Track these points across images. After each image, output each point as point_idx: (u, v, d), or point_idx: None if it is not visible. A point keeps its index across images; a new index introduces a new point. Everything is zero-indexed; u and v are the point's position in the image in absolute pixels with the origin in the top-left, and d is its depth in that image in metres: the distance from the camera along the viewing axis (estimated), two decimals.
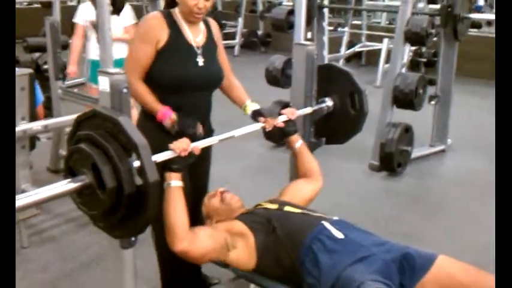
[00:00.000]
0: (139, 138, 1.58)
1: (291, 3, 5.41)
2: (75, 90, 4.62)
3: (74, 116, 3.24)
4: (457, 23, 4.53)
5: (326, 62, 5.85)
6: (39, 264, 2.95)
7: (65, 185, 1.58)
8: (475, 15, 4.70)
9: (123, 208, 1.59)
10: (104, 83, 1.74)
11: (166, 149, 1.91)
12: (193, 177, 2.27)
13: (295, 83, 2.66)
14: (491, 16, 7.09)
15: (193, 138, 2.03)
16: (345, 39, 8.74)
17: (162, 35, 2.15)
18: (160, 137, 2.12)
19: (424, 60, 8.39)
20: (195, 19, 2.20)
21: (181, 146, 1.91)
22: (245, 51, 10.31)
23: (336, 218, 2.16)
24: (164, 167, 1.89)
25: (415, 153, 4.74)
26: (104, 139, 1.58)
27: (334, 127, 2.71)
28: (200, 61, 2.22)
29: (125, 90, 1.74)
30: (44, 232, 3.31)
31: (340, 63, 8.97)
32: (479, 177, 4.49)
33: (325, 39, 5.62)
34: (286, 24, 5.01)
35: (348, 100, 2.61)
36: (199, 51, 2.23)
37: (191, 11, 2.14)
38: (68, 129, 3.82)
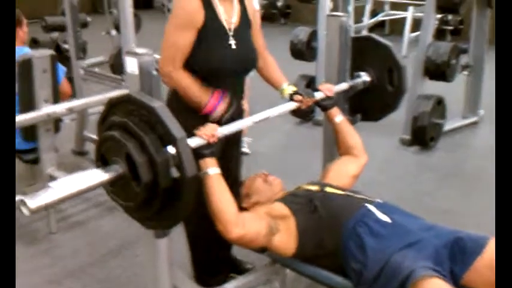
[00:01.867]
0: (178, 131, 1.47)
1: None
2: (96, 69, 4.52)
3: (98, 97, 3.20)
4: None
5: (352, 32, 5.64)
6: (69, 250, 2.90)
7: (97, 175, 1.48)
8: None
9: (159, 201, 1.49)
10: (132, 65, 1.62)
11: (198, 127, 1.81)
12: (225, 165, 2.17)
13: (328, 57, 2.52)
14: None
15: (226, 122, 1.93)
16: (368, 8, 8.48)
17: (199, 18, 2.00)
18: (192, 118, 2.02)
19: (451, 28, 8.12)
20: None
21: (209, 132, 1.81)
22: (265, 24, 9.93)
23: (379, 200, 2.05)
24: (197, 155, 1.79)
25: (447, 125, 4.57)
26: (139, 128, 1.48)
27: (370, 103, 2.58)
28: (232, 43, 2.07)
29: (154, 73, 1.63)
30: (71, 217, 3.25)
31: (364, 33, 8.73)
32: None
33: (350, 8, 5.41)
34: None
35: (386, 75, 2.46)
36: (231, 33, 2.08)
37: None
38: (91, 110, 3.75)
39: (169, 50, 1.99)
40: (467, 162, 4.24)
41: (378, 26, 9.17)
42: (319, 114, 4.71)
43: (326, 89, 2.34)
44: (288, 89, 2.26)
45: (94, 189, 1.48)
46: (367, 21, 8.52)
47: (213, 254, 2.36)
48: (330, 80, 2.50)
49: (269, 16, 10.19)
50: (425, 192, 3.62)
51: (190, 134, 1.76)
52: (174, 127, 1.46)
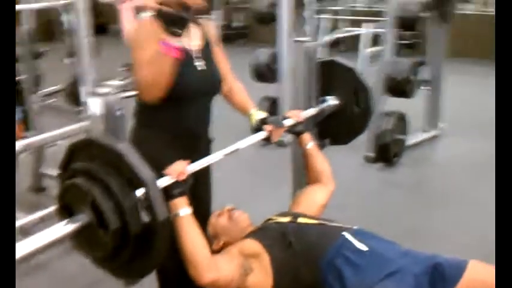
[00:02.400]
0: (147, 173, 1.39)
1: None
2: (53, 99, 4.37)
3: (55, 133, 3.07)
4: (446, 5, 4.39)
5: None
6: None
7: (62, 228, 1.39)
8: None
9: (129, 250, 1.41)
10: (94, 106, 1.54)
11: (166, 161, 1.73)
12: (196, 197, 2.09)
13: (295, 83, 2.49)
14: None
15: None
16: (323, 26, 8.58)
17: (160, 37, 1.89)
18: (158, 147, 1.94)
19: (406, 42, 8.29)
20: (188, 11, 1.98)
21: (178, 170, 1.73)
22: (223, 45, 10.04)
23: (355, 227, 2.00)
24: (166, 196, 1.70)
25: (409, 140, 4.62)
26: (104, 172, 1.39)
27: (338, 127, 2.56)
28: (198, 65, 2.02)
29: (119, 113, 1.55)
30: (32, 259, 3.08)
31: (320, 51, 8.82)
32: (474, 161, 4.41)
33: (308, 29, 5.42)
34: (269, 17, 4.81)
35: (352, 98, 2.45)
36: (196, 56, 2.03)
37: (184, 3, 1.93)
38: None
39: (142, 66, 1.88)
40: (430, 177, 4.29)
41: (334, 43, 9.29)
42: (283, 136, 4.68)
43: (295, 115, 2.30)
44: (257, 114, 2.21)
45: (60, 242, 1.38)
46: (323, 39, 8.61)
47: None
48: (297, 106, 2.47)
49: (226, 37, 10.19)
50: (392, 211, 3.62)
51: (158, 164, 1.68)
52: (142, 169, 1.39)
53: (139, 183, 1.40)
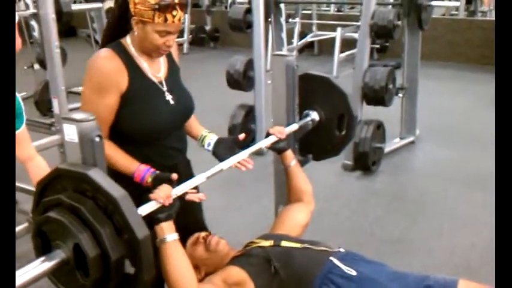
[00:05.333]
0: (140, 228, 1.30)
1: (245, 0, 5.17)
2: None
3: None
4: (421, 12, 4.39)
5: None
6: None
7: (39, 266, 1.29)
8: (437, 3, 4.58)
9: (114, 281, 1.32)
10: (70, 132, 1.44)
11: (144, 198, 1.63)
12: (188, 219, 2.01)
13: (275, 98, 2.42)
14: (455, 3, 7.05)
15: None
16: (297, 30, 8.56)
17: (122, 79, 1.75)
18: (134, 184, 1.80)
19: (377, 46, 8.34)
20: (160, 55, 1.85)
21: (164, 194, 1.65)
22: (194, 48, 9.96)
23: (341, 250, 1.95)
24: (151, 222, 1.62)
25: (387, 147, 4.61)
26: (93, 217, 1.30)
27: (314, 143, 2.50)
28: (169, 98, 1.87)
29: (97, 139, 1.45)
30: None
31: (294, 55, 8.79)
32: (450, 168, 4.45)
33: (284, 35, 5.39)
34: (244, 24, 4.74)
35: (335, 120, 2.39)
36: (165, 88, 1.87)
37: (158, 49, 1.77)
38: None
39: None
40: (408, 185, 4.28)
41: (307, 47, 9.29)
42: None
43: (277, 132, 2.23)
44: (210, 136, 2.07)
45: (37, 281, 1.29)
46: (296, 42, 8.59)
47: None
48: (278, 122, 2.40)
49: (198, 40, 10.10)
50: (373, 221, 3.60)
51: (139, 194, 1.60)
52: (137, 223, 1.30)
53: (131, 239, 1.32)
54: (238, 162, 1.98)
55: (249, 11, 4.67)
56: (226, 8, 10.94)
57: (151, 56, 1.83)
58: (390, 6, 4.73)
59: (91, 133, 1.44)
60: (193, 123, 2.11)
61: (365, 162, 4.20)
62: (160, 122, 1.84)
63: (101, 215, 1.33)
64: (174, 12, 1.70)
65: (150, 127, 1.82)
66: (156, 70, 1.87)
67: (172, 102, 1.88)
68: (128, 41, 1.81)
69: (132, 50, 1.80)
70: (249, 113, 4.65)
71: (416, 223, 3.56)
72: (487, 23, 8.52)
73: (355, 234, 3.38)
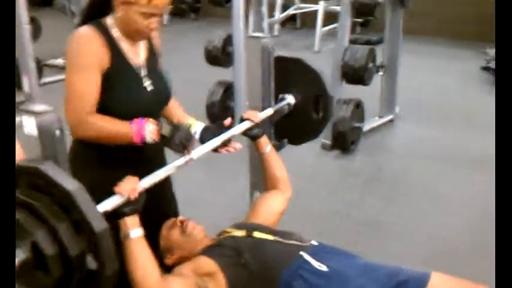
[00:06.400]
0: (98, 221, 1.26)
1: None
2: None
3: None
4: None
5: (266, 33, 5.51)
6: None
7: None
8: None
9: (76, 277, 1.28)
10: (30, 126, 1.37)
11: (114, 180, 1.59)
12: (161, 210, 1.97)
13: (251, 81, 2.36)
14: None
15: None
16: (279, 3, 8.42)
17: (104, 58, 1.71)
18: (104, 167, 1.79)
19: (361, 20, 8.23)
20: (143, 39, 1.81)
21: (129, 187, 1.60)
22: (174, 20, 9.73)
23: (314, 243, 1.92)
24: (115, 216, 1.57)
25: (366, 126, 4.59)
26: (50, 213, 1.25)
27: (291, 127, 2.46)
28: (148, 85, 1.83)
29: (57, 133, 1.38)
30: None
31: (276, 28, 8.66)
32: (430, 147, 4.44)
33: (264, 9, 5.26)
34: None
35: (311, 102, 2.34)
36: (144, 73, 1.83)
37: (141, 32, 1.72)
38: None
39: (75, 99, 1.68)
40: (387, 164, 4.26)
41: (289, 20, 9.15)
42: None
43: (252, 116, 2.17)
44: (196, 124, 2.02)
45: None
46: (278, 15, 8.46)
47: None
48: (253, 106, 2.34)
49: (178, 12, 9.88)
50: (351, 203, 3.58)
51: (106, 187, 1.56)
52: (94, 216, 1.25)
53: (89, 233, 1.27)
54: (225, 146, 1.97)
55: None
56: None
57: (133, 39, 1.78)
58: None
59: (51, 126, 1.38)
60: (177, 111, 2.06)
61: (343, 142, 4.17)
62: (136, 107, 1.78)
63: (57, 210, 1.29)
64: None
65: (125, 112, 1.75)
66: (135, 54, 1.82)
67: (149, 88, 1.84)
68: (108, 22, 1.76)
69: (113, 31, 1.75)
70: (228, 89, 4.57)
71: (394, 204, 3.55)
72: None
73: (331, 217, 3.37)
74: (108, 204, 1.53)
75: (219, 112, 4.51)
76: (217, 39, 4.50)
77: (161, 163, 1.92)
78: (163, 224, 1.99)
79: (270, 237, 1.93)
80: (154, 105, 1.88)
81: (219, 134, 1.98)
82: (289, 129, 2.46)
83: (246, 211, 2.23)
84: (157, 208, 1.89)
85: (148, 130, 1.70)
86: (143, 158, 1.86)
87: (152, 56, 1.89)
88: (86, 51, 1.68)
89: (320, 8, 7.80)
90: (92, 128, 1.70)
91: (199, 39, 4.76)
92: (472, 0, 8.22)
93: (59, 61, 6.56)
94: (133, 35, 1.75)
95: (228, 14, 4.55)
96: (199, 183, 3.70)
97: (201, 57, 4.74)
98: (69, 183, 1.28)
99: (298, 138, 2.52)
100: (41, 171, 1.28)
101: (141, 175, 1.69)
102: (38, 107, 1.38)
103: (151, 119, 1.73)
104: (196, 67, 5.62)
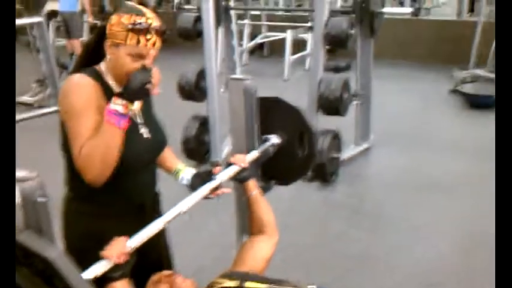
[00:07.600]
0: (52, 251, 1.17)
1: (194, 7, 5.00)
2: None
3: None
4: (373, 19, 4.36)
5: (238, 65, 5.49)
6: None
7: None
8: (389, 10, 4.56)
9: None
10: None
11: (107, 236, 1.52)
12: (157, 263, 1.90)
13: (234, 124, 2.29)
14: (407, 10, 7.12)
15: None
16: (246, 32, 8.45)
17: (102, 104, 1.61)
18: (97, 222, 1.71)
19: (327, 47, 8.29)
20: None
21: (117, 251, 1.50)
22: None
23: (312, 287, 1.84)
24: (103, 281, 1.47)
25: (342, 155, 4.56)
26: (31, 283, 1.15)
27: (278, 167, 2.40)
28: (144, 132, 1.75)
29: (40, 199, 1.28)
30: None
31: (244, 57, 8.66)
32: (406, 175, 4.47)
33: (235, 42, 5.26)
34: (194, 33, 4.58)
35: (296, 140, 2.29)
36: (140, 120, 1.76)
37: (129, 74, 1.61)
38: None
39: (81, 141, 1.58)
40: (366, 196, 4.27)
41: (257, 49, 9.19)
42: (216, 155, 4.48)
43: (239, 161, 2.11)
44: (186, 170, 1.98)
45: None
46: (246, 44, 8.48)
47: None
48: (237, 149, 2.28)
49: None
50: (334, 234, 3.54)
51: (98, 240, 1.49)
52: (78, 284, 1.15)
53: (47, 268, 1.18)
54: (216, 191, 1.95)
55: (198, 18, 4.51)
56: (173, 8, 10.69)
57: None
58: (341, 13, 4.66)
59: (33, 193, 1.28)
60: (168, 155, 1.99)
61: (323, 174, 4.14)
62: (133, 156, 1.70)
63: (38, 282, 1.19)
64: (148, 36, 1.57)
65: (121, 160, 1.64)
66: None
67: (146, 135, 1.76)
68: (102, 68, 1.69)
69: (107, 78, 1.67)
70: (203, 124, 4.49)
71: (377, 237, 3.53)
72: (433, 22, 8.64)
73: (318, 251, 3.31)
74: (95, 270, 1.43)
75: (195, 147, 4.43)
76: (191, 74, 4.44)
77: (157, 213, 1.86)
78: (149, 279, 1.88)
79: (263, 286, 1.84)
80: (151, 152, 1.81)
81: (209, 181, 1.93)
82: (276, 170, 2.40)
83: (229, 249, 2.17)
84: (149, 260, 1.80)
85: (115, 107, 1.58)
86: (139, 213, 1.79)
87: (147, 101, 1.82)
88: (86, 96, 1.60)
89: (288, 36, 7.84)
90: (88, 154, 1.57)
91: (168, 73, 4.66)
92: (426, 23, 8.44)
93: (25, 98, 6.39)
94: (124, 79, 1.64)
95: (196, 45, 4.51)
96: (181, 221, 3.59)
97: (170, 92, 4.65)
98: (51, 251, 1.19)
99: (286, 178, 2.45)
100: (18, 242, 1.19)
101: (136, 227, 1.61)
102: (19, 173, 1.28)
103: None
104: (167, 102, 5.51)
